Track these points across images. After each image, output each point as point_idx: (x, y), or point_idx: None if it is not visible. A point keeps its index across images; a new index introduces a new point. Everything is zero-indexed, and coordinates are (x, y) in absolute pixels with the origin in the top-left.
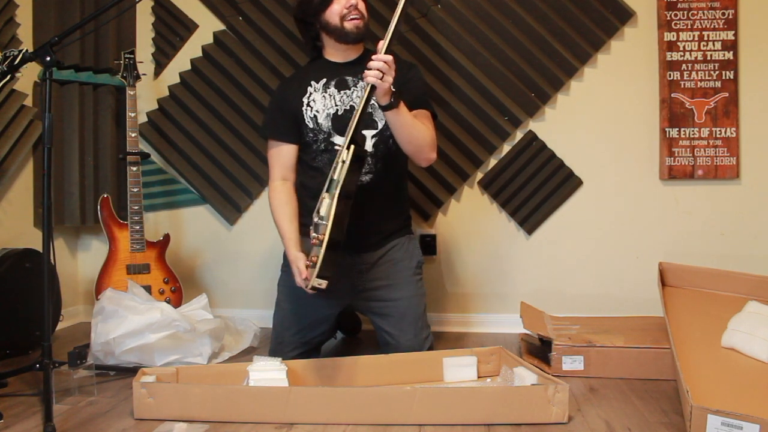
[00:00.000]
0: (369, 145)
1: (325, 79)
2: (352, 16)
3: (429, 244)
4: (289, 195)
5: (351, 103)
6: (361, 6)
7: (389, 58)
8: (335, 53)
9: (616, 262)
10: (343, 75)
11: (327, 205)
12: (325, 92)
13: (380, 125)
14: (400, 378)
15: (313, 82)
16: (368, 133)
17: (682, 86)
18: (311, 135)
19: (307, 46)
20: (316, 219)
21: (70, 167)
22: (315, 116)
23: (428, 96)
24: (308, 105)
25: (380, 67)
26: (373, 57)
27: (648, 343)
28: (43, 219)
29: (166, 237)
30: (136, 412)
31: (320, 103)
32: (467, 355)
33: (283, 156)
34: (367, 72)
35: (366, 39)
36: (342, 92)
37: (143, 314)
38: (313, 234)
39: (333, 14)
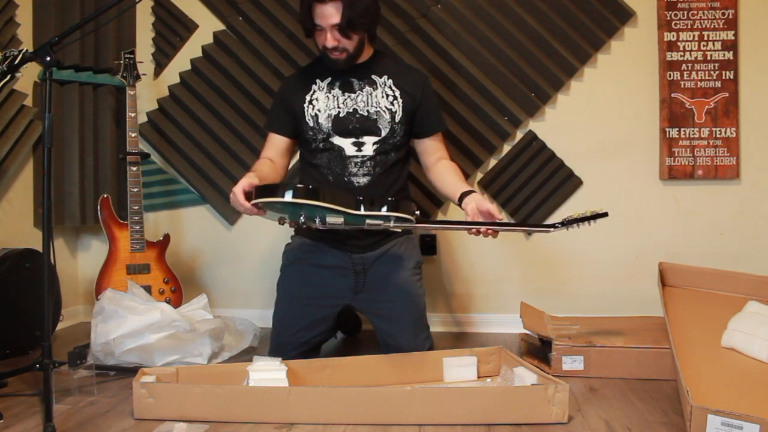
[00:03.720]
0: (370, 151)
1: (330, 78)
2: (331, 52)
3: (429, 244)
4: (271, 166)
5: (354, 106)
6: (343, 43)
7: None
8: None
9: (616, 262)
10: (349, 77)
11: (335, 222)
12: (329, 92)
13: (383, 133)
14: (400, 378)
15: (318, 80)
16: (369, 140)
17: (682, 86)
18: (311, 133)
19: None
20: (317, 221)
21: (70, 167)
22: (316, 115)
23: (440, 111)
24: (310, 103)
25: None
26: (494, 229)
27: (648, 343)
28: (43, 219)
29: (166, 237)
30: (136, 412)
31: (323, 102)
32: (467, 355)
33: (274, 144)
34: (482, 229)
35: (356, 62)
36: (346, 94)
37: (143, 314)
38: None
39: (318, 42)
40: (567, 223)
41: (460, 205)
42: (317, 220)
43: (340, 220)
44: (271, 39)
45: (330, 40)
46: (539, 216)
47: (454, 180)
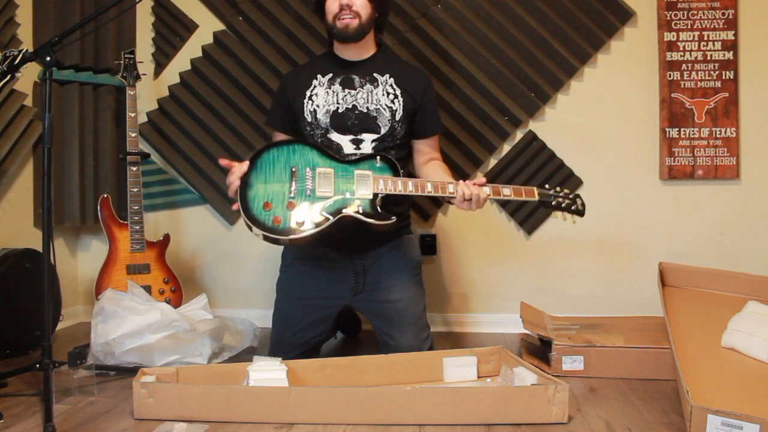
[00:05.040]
0: (368, 148)
1: (331, 74)
2: (342, 16)
3: (429, 244)
4: None
5: (354, 102)
6: (358, 5)
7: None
8: (343, 50)
9: (616, 262)
10: (350, 73)
11: (324, 194)
12: (330, 88)
13: (383, 131)
14: (400, 378)
15: (319, 76)
16: (368, 137)
17: (682, 86)
18: (308, 129)
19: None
20: (309, 186)
21: (70, 167)
22: (314, 111)
23: (439, 113)
24: (310, 98)
25: (477, 208)
26: (479, 198)
27: (648, 343)
28: (43, 219)
29: (166, 237)
30: (136, 412)
31: (322, 98)
32: (467, 355)
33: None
34: (468, 206)
35: (362, 37)
36: (346, 90)
37: (143, 315)
38: (293, 189)
39: (329, 12)
40: (548, 205)
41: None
42: (307, 173)
43: (330, 170)
44: (271, 39)
45: None
46: (539, 216)
47: (441, 176)
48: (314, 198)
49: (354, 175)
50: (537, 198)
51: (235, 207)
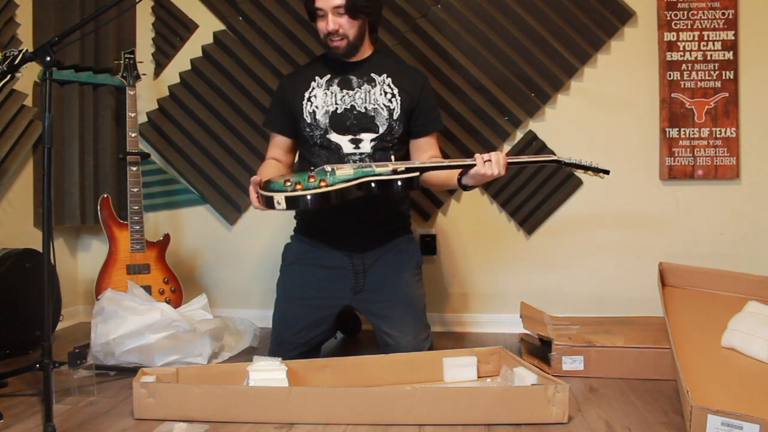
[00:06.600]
0: (367, 148)
1: (329, 76)
2: (331, 38)
3: (429, 244)
4: (277, 166)
5: (352, 102)
6: (344, 28)
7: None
8: None
9: (616, 262)
10: (347, 74)
11: (345, 173)
12: (328, 89)
13: (381, 130)
14: (400, 378)
15: (317, 77)
16: (367, 137)
17: (682, 86)
18: (308, 130)
19: None
20: (328, 168)
21: (70, 167)
22: (314, 112)
23: (438, 111)
24: (308, 100)
25: (500, 171)
26: (499, 158)
27: (648, 343)
28: (43, 219)
29: (166, 237)
30: (136, 412)
31: (321, 99)
32: (467, 355)
33: (277, 144)
34: (490, 168)
35: (356, 52)
36: (344, 91)
37: (143, 315)
38: (313, 172)
39: (319, 31)
40: (570, 164)
41: (461, 180)
42: (327, 171)
43: (350, 171)
44: (271, 39)
45: (330, 23)
46: (539, 216)
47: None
48: (334, 175)
49: (372, 164)
50: (556, 156)
51: (255, 199)
